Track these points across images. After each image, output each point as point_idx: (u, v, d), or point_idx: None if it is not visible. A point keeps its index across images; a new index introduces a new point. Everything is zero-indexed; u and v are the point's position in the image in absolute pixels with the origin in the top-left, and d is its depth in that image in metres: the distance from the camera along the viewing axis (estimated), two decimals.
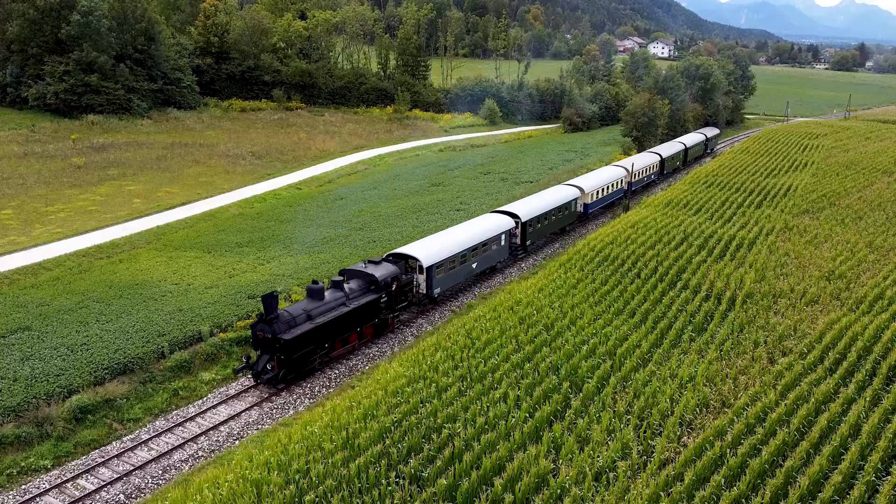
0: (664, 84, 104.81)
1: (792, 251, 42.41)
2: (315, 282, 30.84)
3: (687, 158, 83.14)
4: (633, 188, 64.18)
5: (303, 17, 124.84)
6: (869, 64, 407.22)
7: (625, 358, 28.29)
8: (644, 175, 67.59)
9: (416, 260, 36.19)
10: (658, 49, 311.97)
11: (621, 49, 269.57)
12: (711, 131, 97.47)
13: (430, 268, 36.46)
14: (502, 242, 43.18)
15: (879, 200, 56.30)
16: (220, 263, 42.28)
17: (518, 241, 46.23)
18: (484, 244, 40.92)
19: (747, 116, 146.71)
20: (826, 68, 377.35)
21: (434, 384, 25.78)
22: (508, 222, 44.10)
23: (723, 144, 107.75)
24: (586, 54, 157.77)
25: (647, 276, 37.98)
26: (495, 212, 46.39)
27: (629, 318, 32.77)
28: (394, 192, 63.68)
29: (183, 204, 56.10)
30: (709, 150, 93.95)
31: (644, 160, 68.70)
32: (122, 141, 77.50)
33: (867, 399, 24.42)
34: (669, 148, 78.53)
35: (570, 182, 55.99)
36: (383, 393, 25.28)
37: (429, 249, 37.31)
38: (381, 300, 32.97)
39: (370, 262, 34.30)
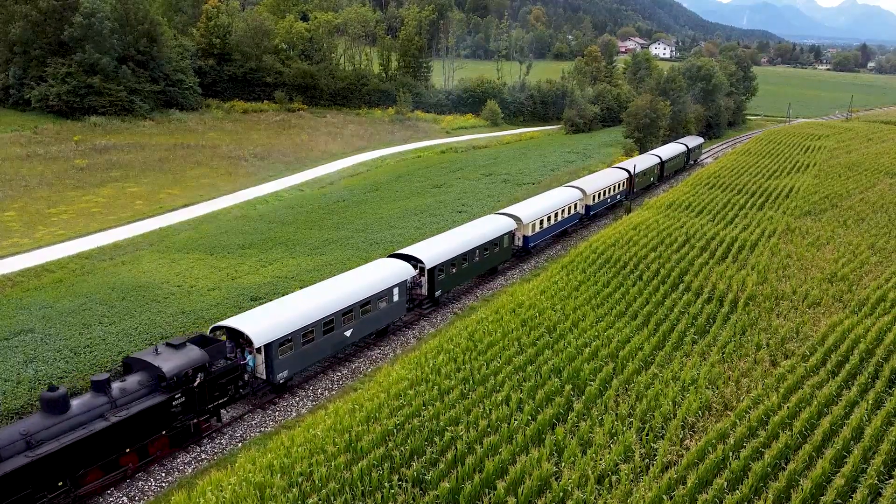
0: (666, 85, 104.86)
1: (794, 253, 42.39)
2: (52, 387, 21.10)
3: (664, 173, 74.77)
4: (591, 212, 56.47)
5: (304, 18, 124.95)
6: (871, 64, 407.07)
7: (627, 360, 28.30)
8: (607, 196, 58.76)
9: (248, 337, 26.72)
10: (660, 50, 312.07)
11: (623, 50, 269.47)
12: (694, 140, 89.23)
13: (269, 346, 26.89)
14: (395, 297, 33.57)
15: (882, 202, 56.27)
16: (223, 265, 42.34)
17: (424, 290, 36.89)
18: (365, 303, 31.48)
19: (749, 117, 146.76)
20: (828, 69, 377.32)
21: (436, 387, 25.80)
22: (407, 270, 34.64)
23: (723, 146, 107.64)
24: (588, 55, 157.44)
25: (649, 278, 37.99)
26: (395, 256, 36.91)
27: (631, 320, 32.78)
28: (395, 194, 63.72)
29: (185, 206, 56.19)
30: (691, 162, 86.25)
31: (605, 178, 59.63)
32: (124, 142, 77.62)
33: (870, 402, 24.42)
34: (641, 162, 68.93)
35: (506, 210, 46.97)
36: (386, 395, 25.30)
37: (274, 318, 27.96)
38: (176, 402, 23.63)
39: (168, 344, 24.83)
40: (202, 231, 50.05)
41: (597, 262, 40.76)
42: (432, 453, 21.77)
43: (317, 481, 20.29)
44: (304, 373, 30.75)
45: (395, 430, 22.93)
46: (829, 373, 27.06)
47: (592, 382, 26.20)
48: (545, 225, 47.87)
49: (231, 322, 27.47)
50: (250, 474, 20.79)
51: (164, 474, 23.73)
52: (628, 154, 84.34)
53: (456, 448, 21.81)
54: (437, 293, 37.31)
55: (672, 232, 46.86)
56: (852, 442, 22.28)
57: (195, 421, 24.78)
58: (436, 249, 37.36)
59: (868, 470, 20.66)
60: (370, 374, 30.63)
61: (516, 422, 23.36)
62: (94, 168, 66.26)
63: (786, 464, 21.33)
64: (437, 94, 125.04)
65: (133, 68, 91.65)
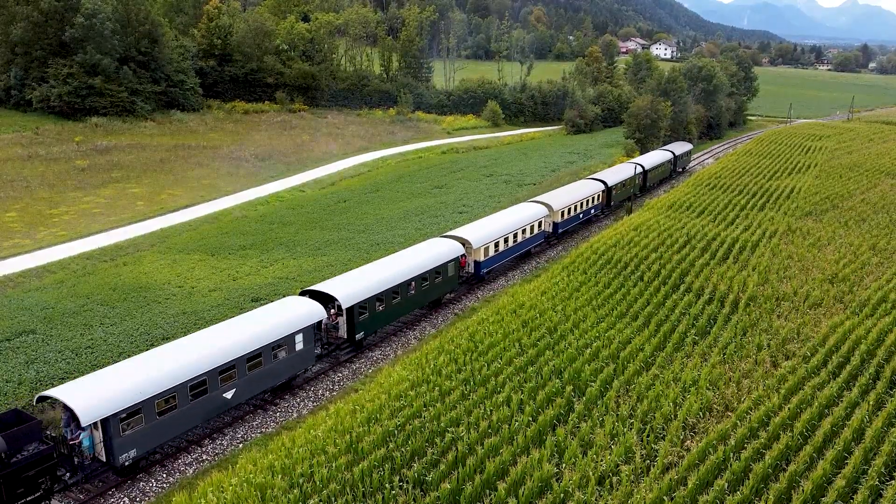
0: (667, 86, 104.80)
1: (795, 254, 42.38)
2: None
3: (647, 183, 68.18)
4: (560, 230, 50.29)
5: (305, 19, 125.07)
6: (872, 65, 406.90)
7: (628, 361, 28.31)
8: (579, 211, 52.84)
9: (74, 412, 20.84)
10: (661, 50, 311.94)
11: (624, 50, 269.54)
12: (682, 147, 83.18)
13: (107, 421, 21.34)
14: (300, 345, 27.98)
15: (883, 202, 56.24)
16: (224, 266, 42.39)
17: (343, 332, 31.47)
18: (254, 356, 25.92)
19: (750, 118, 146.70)
20: (829, 69, 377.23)
21: (437, 388, 25.82)
22: (314, 312, 28.88)
23: (724, 146, 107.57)
24: (589, 56, 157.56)
25: (650, 279, 37.98)
26: (307, 293, 31.23)
27: (632, 321, 32.78)
28: (396, 195, 63.75)
29: (186, 206, 56.25)
30: (678, 170, 79.66)
31: (577, 192, 53.54)
32: (125, 143, 77.71)
33: (870, 403, 24.41)
34: (620, 172, 63.11)
35: (455, 233, 41.09)
36: (386, 397, 25.33)
37: (116, 383, 22.23)
38: None
39: None
40: (203, 232, 50.09)
41: (598, 263, 40.76)
42: (433, 454, 21.79)
43: (318, 482, 20.32)
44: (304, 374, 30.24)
45: (395, 431, 22.95)
46: (830, 374, 27.05)
47: (593, 383, 26.21)
48: (502, 247, 42.36)
49: (55, 392, 21.66)
50: (251, 475, 20.82)
51: (165, 475, 23.76)
52: (629, 154, 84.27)
53: (457, 449, 21.82)
54: (359, 335, 31.60)
55: (673, 233, 46.85)
56: (853, 443, 22.27)
57: None
58: (357, 284, 31.71)
59: (869, 471, 20.66)
60: (371, 375, 30.65)
61: (517, 423, 23.37)
62: (95, 169, 66.32)
63: (787, 465, 21.33)
64: (437, 95, 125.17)
65: (134, 69, 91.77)
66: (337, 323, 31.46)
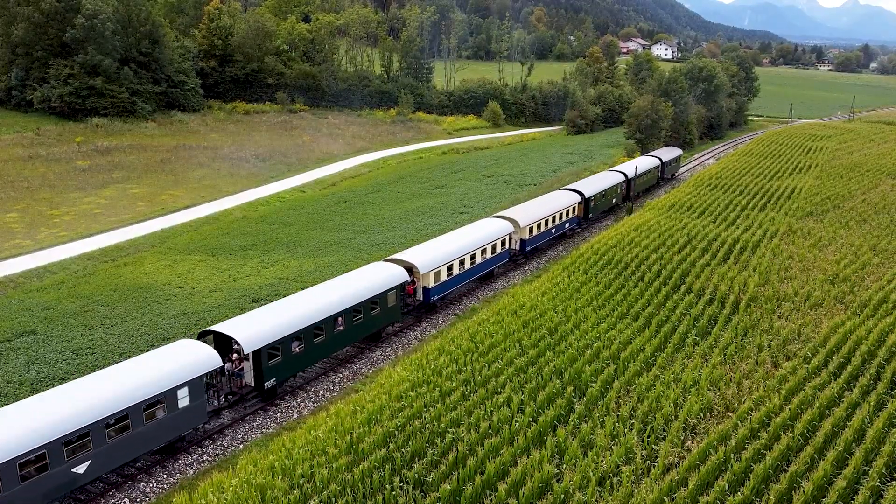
0: (667, 86, 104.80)
1: (796, 254, 42.34)
2: None
3: (631, 192, 63.03)
4: (528, 247, 45.80)
5: (306, 19, 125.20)
6: (873, 65, 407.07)
7: (628, 362, 28.28)
8: (551, 226, 48.20)
9: None
10: (661, 51, 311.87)
11: (624, 51, 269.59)
12: (670, 152, 77.70)
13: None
14: (185, 401, 23.71)
15: (884, 203, 56.18)
16: (224, 267, 42.40)
17: (249, 380, 27.28)
18: (120, 418, 21.65)
19: (751, 118, 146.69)
20: (830, 70, 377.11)
21: (438, 388, 25.81)
22: (206, 360, 24.62)
23: (725, 147, 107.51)
24: (589, 56, 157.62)
25: (650, 279, 37.96)
26: (207, 332, 27.28)
27: (633, 321, 32.76)
28: (397, 195, 63.77)
29: (187, 207, 56.29)
30: (667, 177, 74.61)
31: (548, 205, 48.75)
32: (126, 144, 77.78)
33: (871, 403, 24.37)
34: (599, 181, 58.19)
35: (401, 256, 36.67)
36: (387, 397, 25.32)
37: None
38: None
39: None
40: (204, 232, 50.12)
41: (598, 264, 40.74)
42: (433, 455, 21.78)
43: (318, 483, 20.31)
44: (303, 375, 30.23)
45: (396, 432, 22.94)
46: (830, 374, 27.02)
47: (594, 384, 26.19)
48: (456, 270, 38.10)
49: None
50: (251, 476, 20.82)
51: (165, 475, 23.76)
52: (630, 154, 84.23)
53: (457, 450, 21.81)
54: (269, 383, 27.15)
55: (674, 233, 46.83)
56: (854, 444, 22.23)
57: None
58: (269, 322, 27.39)
59: (870, 472, 20.63)
60: (371, 376, 30.64)
61: (517, 423, 23.36)
62: (96, 169, 66.38)
63: (787, 465, 21.30)
64: (438, 95, 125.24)
65: (135, 70, 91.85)
66: (242, 369, 27.01)
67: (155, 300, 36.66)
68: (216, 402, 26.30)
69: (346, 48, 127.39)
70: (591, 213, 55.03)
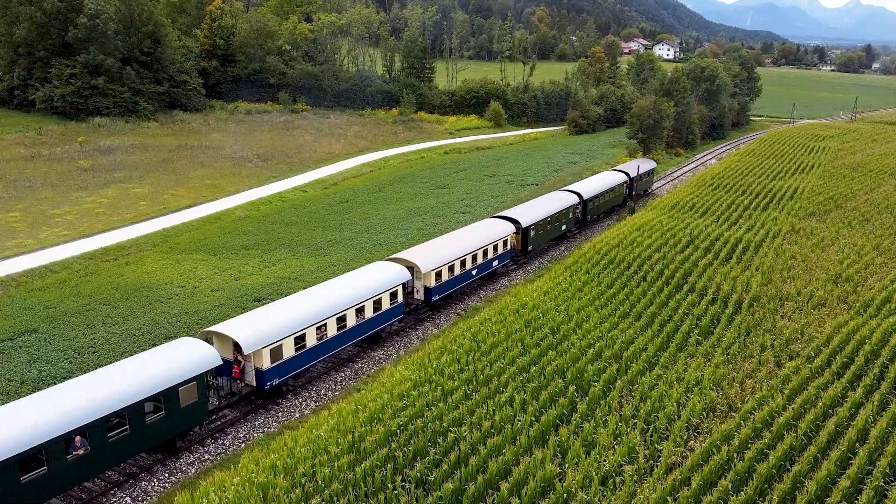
0: (670, 86, 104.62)
1: (798, 254, 42.25)
2: None
3: (587, 215, 53.94)
4: (434, 296, 36.34)
5: (308, 19, 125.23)
6: (875, 65, 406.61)
7: (631, 361, 28.22)
8: (472, 266, 39.21)
9: None
10: (663, 51, 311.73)
11: (626, 51, 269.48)
12: (642, 165, 65.97)
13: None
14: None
15: (887, 203, 56.07)
16: (226, 266, 42.39)
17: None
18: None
19: (753, 118, 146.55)
20: (832, 70, 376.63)
21: (440, 388, 25.75)
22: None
23: (727, 147, 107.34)
24: (591, 56, 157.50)
25: (653, 279, 37.88)
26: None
27: (635, 321, 32.69)
28: (399, 195, 63.74)
29: (189, 206, 56.29)
30: (635, 193, 62.73)
31: (466, 240, 39.78)
32: (128, 143, 77.83)
33: (875, 403, 24.30)
34: (543, 206, 47.92)
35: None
36: (389, 396, 25.26)
37: None
38: None
39: None
40: (206, 232, 50.11)
41: (600, 263, 40.68)
42: (436, 454, 21.72)
43: (320, 482, 20.26)
44: (307, 374, 30.25)
45: (398, 431, 22.89)
46: (833, 374, 26.95)
47: (596, 383, 26.13)
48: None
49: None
50: (253, 475, 20.77)
51: (167, 475, 23.73)
52: (632, 154, 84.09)
53: (459, 449, 21.76)
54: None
55: (676, 233, 46.75)
56: (858, 443, 22.16)
57: None
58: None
59: (874, 472, 20.56)
60: (373, 375, 30.60)
61: (520, 423, 23.30)
62: (98, 169, 66.42)
63: (791, 465, 21.22)
64: (440, 96, 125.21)
65: (137, 69, 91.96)
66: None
67: (157, 299, 36.65)
68: (216, 402, 26.28)
69: (348, 48, 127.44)
70: (531, 244, 45.89)
